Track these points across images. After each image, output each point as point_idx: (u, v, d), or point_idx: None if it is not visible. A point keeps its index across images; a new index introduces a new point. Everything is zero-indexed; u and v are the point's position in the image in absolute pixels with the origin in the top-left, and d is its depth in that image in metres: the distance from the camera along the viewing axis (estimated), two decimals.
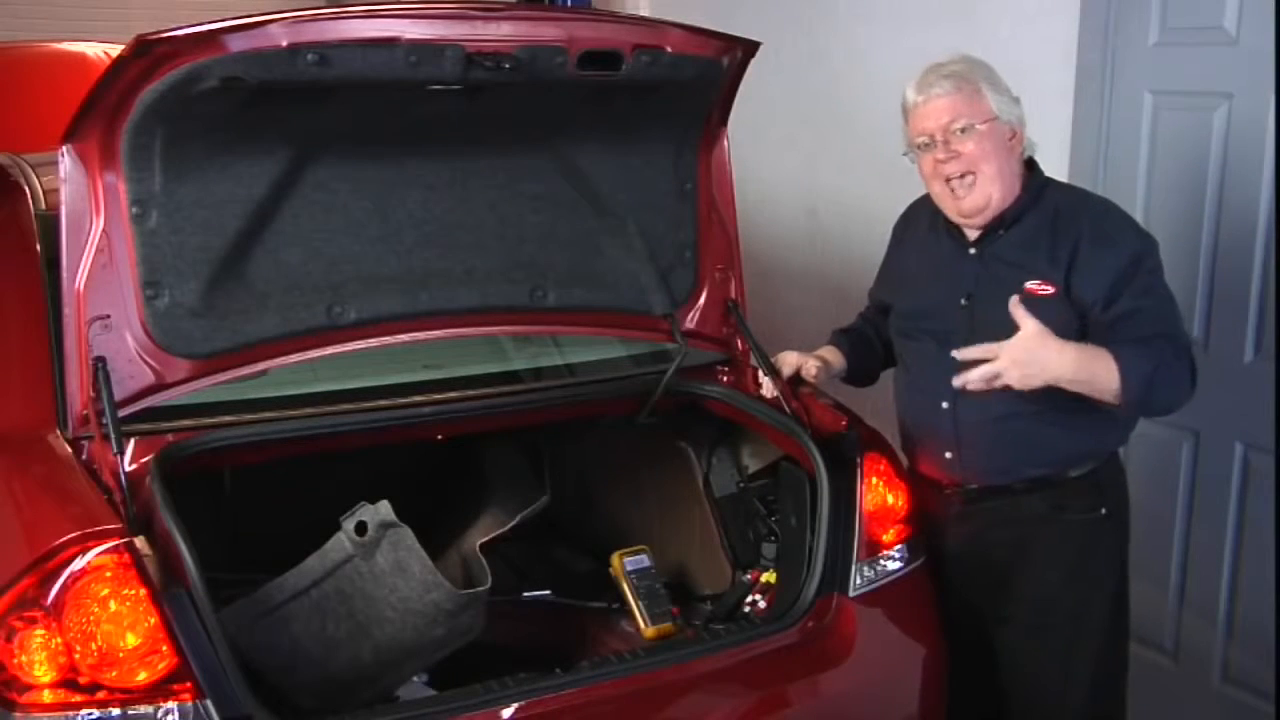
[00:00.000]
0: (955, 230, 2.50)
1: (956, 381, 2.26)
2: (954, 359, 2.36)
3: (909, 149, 2.46)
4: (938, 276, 2.52)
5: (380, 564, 2.29)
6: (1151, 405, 2.32)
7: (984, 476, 2.48)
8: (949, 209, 2.43)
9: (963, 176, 2.37)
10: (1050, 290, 2.33)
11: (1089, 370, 2.22)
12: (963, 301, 2.45)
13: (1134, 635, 2.64)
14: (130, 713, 1.85)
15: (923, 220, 2.60)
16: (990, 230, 2.43)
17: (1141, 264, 2.31)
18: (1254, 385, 2.90)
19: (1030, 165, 2.46)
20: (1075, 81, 3.25)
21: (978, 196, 2.37)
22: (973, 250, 2.45)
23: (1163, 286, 2.34)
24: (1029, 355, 2.20)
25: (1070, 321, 2.31)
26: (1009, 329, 2.23)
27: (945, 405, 2.46)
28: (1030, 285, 2.34)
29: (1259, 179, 2.85)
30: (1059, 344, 2.22)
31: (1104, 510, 2.45)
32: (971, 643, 2.55)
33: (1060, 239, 2.35)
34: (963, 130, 2.35)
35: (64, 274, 2.16)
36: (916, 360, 2.57)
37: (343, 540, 2.29)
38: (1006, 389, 2.24)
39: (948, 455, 2.51)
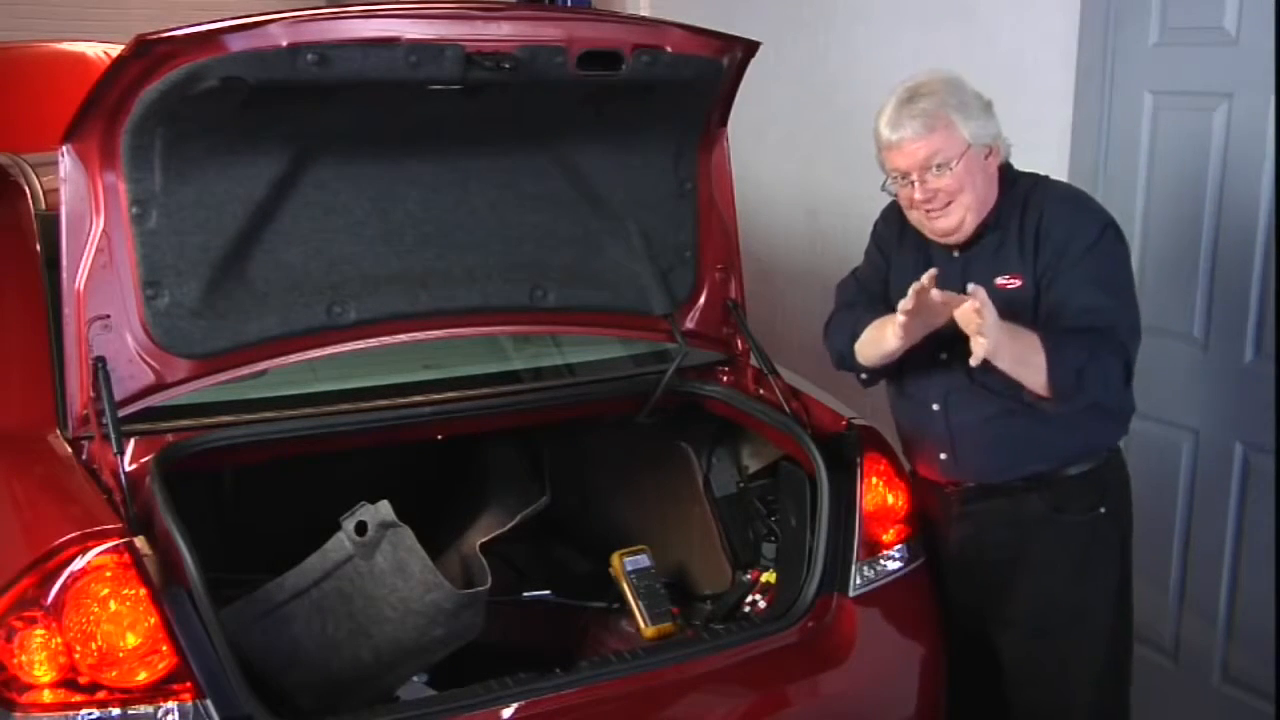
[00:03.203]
0: None
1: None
2: (943, 362, 2.37)
3: (886, 178, 2.44)
4: None
5: (380, 564, 2.29)
6: (1080, 399, 2.28)
7: (980, 475, 2.49)
8: (925, 231, 2.44)
9: (942, 206, 2.36)
10: (1018, 283, 2.34)
11: (1019, 355, 2.21)
12: None
13: (1134, 635, 2.63)
14: (130, 713, 1.85)
15: (895, 226, 2.58)
16: (973, 238, 2.42)
17: (1100, 242, 2.31)
18: (1254, 385, 2.90)
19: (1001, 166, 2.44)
20: (1075, 81, 3.25)
21: (952, 219, 2.37)
22: (956, 254, 2.44)
23: (1115, 273, 2.32)
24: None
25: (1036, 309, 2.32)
26: None
27: (936, 408, 2.47)
28: (999, 281, 2.35)
29: (1259, 179, 2.85)
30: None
31: (1103, 509, 2.46)
32: (974, 645, 2.55)
33: (1027, 224, 2.36)
34: (938, 168, 2.33)
35: (64, 274, 2.16)
36: (906, 364, 2.56)
37: (343, 540, 2.30)
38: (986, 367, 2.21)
39: (943, 457, 2.51)
